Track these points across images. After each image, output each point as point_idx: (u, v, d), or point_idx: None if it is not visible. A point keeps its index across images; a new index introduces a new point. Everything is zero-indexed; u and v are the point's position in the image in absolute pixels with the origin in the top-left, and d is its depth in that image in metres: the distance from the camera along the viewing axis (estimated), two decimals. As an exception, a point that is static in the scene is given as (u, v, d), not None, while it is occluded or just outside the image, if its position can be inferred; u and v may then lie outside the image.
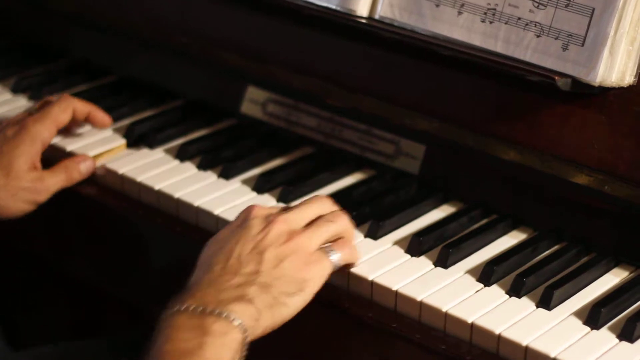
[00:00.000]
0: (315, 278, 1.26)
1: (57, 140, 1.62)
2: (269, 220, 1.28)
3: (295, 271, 1.25)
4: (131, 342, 1.60)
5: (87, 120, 1.62)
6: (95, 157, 1.58)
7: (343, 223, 1.31)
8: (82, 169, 1.55)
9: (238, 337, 1.18)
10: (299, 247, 1.26)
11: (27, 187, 1.50)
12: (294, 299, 1.24)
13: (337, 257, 1.29)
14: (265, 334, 1.23)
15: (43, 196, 1.51)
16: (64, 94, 1.60)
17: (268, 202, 1.48)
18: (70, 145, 1.61)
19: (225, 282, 1.22)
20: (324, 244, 1.29)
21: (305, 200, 1.33)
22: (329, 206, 1.33)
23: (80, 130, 1.64)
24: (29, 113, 1.56)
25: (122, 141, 1.62)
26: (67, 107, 1.56)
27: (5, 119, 1.58)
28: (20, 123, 1.53)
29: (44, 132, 1.53)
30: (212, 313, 1.18)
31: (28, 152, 1.50)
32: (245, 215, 1.30)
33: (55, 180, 1.52)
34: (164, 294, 1.53)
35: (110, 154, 1.60)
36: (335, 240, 1.31)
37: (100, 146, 1.61)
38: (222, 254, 1.25)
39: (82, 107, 1.59)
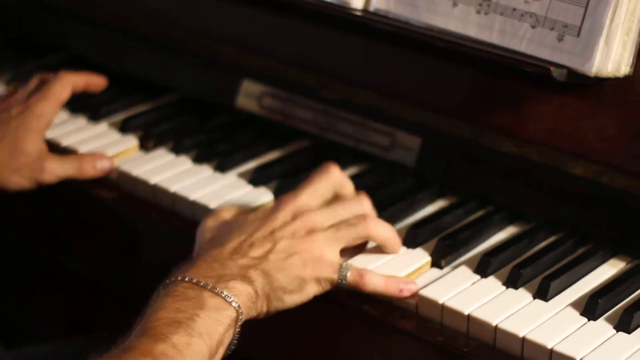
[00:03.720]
0: (316, 284, 1.28)
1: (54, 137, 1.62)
2: (295, 215, 1.29)
3: (299, 269, 1.26)
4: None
5: (86, 90, 1.63)
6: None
7: (369, 229, 1.31)
8: (98, 165, 1.54)
9: (232, 314, 1.20)
10: (313, 246, 1.27)
11: (30, 164, 1.51)
12: (290, 297, 1.26)
13: (347, 276, 1.28)
14: (258, 318, 1.25)
15: (47, 177, 1.51)
16: (61, 71, 1.61)
17: (264, 195, 1.48)
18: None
19: (231, 261, 1.24)
20: (346, 247, 1.30)
21: (344, 200, 1.34)
22: (363, 208, 1.33)
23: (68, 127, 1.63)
24: (28, 92, 1.58)
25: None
26: (67, 84, 1.59)
27: (3, 98, 1.59)
28: (23, 103, 1.55)
29: (48, 110, 1.55)
30: (211, 288, 1.20)
31: (33, 130, 1.52)
32: (276, 206, 1.32)
33: (62, 165, 1.53)
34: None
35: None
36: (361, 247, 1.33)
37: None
38: (238, 235, 1.28)
39: (79, 80, 1.62)
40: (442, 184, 1.47)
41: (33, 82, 1.60)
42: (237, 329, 1.21)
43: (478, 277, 1.30)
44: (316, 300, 1.31)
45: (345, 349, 1.33)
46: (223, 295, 1.20)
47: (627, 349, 1.19)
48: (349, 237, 1.30)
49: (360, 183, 1.49)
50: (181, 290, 1.21)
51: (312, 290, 1.27)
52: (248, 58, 1.63)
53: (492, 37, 1.41)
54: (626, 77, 1.34)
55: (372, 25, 1.50)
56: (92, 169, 1.53)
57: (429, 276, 1.31)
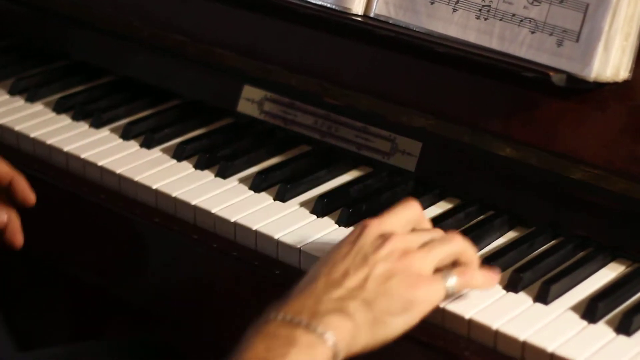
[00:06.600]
0: (424, 301, 1.20)
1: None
2: (384, 237, 1.22)
3: (402, 290, 1.18)
4: (131, 343, 1.61)
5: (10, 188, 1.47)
6: None
7: (460, 245, 1.25)
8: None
9: (327, 352, 1.12)
10: (411, 265, 1.20)
11: None
12: (397, 319, 1.18)
13: (453, 282, 1.22)
14: (364, 353, 1.17)
15: None
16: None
17: (265, 200, 1.48)
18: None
19: (326, 294, 1.17)
20: (440, 265, 1.24)
21: (428, 228, 1.29)
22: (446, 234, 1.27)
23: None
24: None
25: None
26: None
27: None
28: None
29: None
30: (305, 325, 1.13)
31: None
32: (360, 230, 1.24)
33: None
34: (161, 294, 1.55)
35: None
36: (455, 264, 1.25)
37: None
38: (329, 267, 1.20)
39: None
40: (443, 188, 1.48)
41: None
42: None
43: (478, 281, 1.31)
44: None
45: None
46: (317, 332, 1.12)
47: (627, 351, 1.20)
48: (442, 254, 1.23)
49: (361, 188, 1.50)
50: (272, 329, 1.13)
51: (420, 309, 1.19)
52: (249, 63, 1.64)
53: (492, 42, 1.41)
54: (625, 82, 1.35)
55: (373, 31, 1.50)
56: None
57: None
